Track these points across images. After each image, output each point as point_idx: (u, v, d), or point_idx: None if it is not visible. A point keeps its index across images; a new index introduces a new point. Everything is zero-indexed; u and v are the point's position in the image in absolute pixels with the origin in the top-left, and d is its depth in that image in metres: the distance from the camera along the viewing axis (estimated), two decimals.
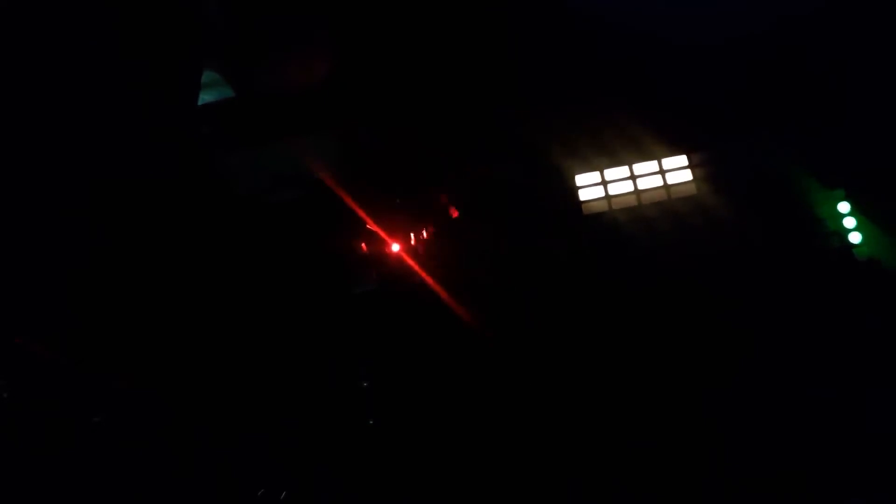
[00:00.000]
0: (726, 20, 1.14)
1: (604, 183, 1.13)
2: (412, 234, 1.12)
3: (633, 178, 1.13)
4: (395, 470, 1.03)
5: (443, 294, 1.09)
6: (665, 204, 1.11)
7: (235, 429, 1.04)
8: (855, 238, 1.08)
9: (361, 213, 1.13)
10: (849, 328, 1.03)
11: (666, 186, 1.12)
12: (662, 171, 1.13)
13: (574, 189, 1.13)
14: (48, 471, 1.00)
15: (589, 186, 1.13)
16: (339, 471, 1.03)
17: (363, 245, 1.12)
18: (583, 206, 1.13)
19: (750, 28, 1.13)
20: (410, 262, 1.11)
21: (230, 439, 1.04)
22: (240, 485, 1.01)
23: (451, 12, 1.18)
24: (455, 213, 1.09)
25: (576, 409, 1.04)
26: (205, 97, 1.18)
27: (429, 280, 1.10)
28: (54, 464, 1.00)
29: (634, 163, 1.13)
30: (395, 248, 1.12)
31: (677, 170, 1.12)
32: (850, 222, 1.08)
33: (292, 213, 1.14)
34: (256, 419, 1.05)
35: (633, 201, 1.12)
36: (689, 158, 1.13)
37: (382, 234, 1.12)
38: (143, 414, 1.04)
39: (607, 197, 1.12)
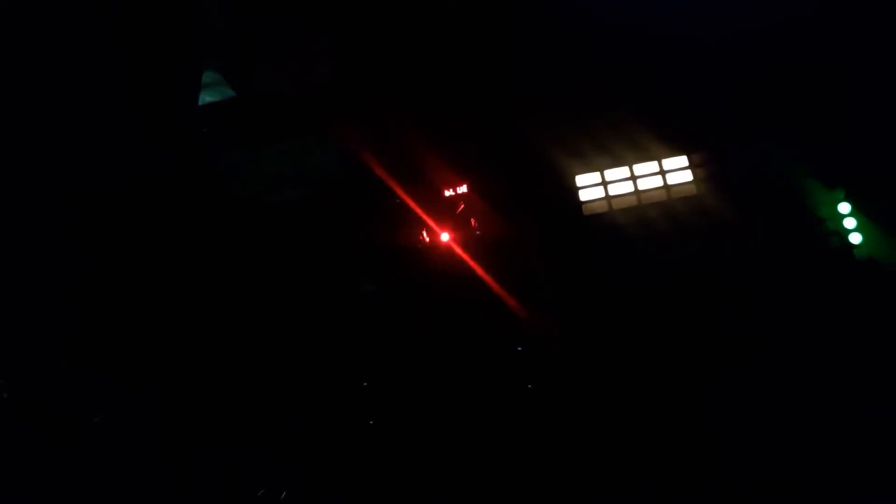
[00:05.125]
0: (726, 20, 1.14)
1: (604, 183, 1.13)
2: (413, 234, 1.12)
3: (633, 178, 1.13)
4: (395, 470, 1.03)
5: (443, 294, 1.09)
6: (665, 204, 1.11)
7: (236, 428, 1.04)
8: (855, 238, 1.08)
9: (362, 214, 1.13)
10: (849, 328, 1.03)
11: (666, 187, 1.12)
12: (663, 172, 1.12)
13: (574, 189, 1.13)
14: (48, 471, 1.00)
15: (589, 187, 1.13)
16: (339, 471, 1.03)
17: (363, 245, 1.12)
18: (583, 206, 1.13)
19: (750, 28, 1.13)
20: (411, 262, 1.11)
21: (230, 439, 1.04)
22: (240, 485, 1.01)
23: (452, 12, 1.18)
24: (473, 222, 1.10)
25: (576, 409, 1.04)
26: (205, 97, 1.18)
27: (429, 280, 1.10)
28: (54, 464, 1.00)
29: (635, 163, 1.13)
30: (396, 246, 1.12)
31: (677, 170, 1.12)
32: (850, 223, 1.08)
33: (292, 213, 1.14)
34: (256, 419, 1.05)
35: (633, 202, 1.12)
36: (689, 159, 1.13)
37: (382, 234, 1.12)
38: (143, 414, 1.04)
39: (607, 197, 1.12)
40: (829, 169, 1.10)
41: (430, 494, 1.02)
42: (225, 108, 1.18)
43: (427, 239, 1.12)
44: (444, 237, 1.11)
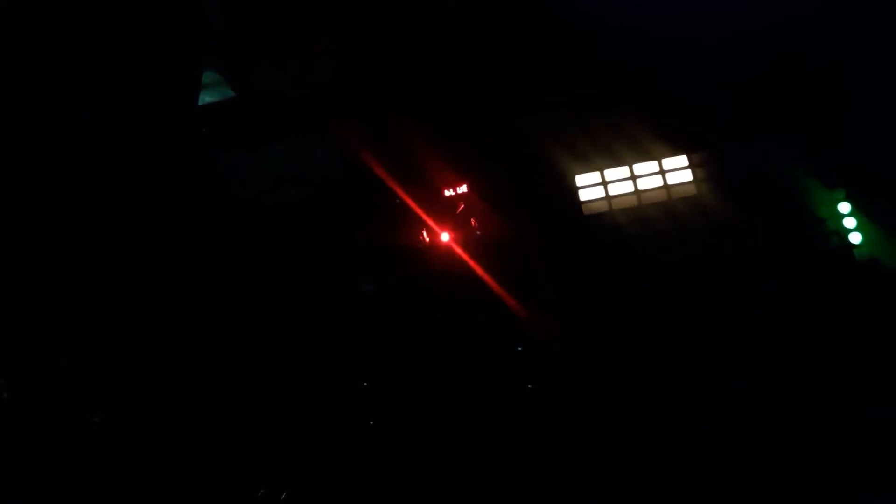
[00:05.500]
0: (726, 20, 1.14)
1: (604, 183, 1.13)
2: (413, 234, 1.12)
3: (633, 178, 1.13)
4: (395, 470, 1.03)
5: (443, 294, 1.09)
6: (665, 204, 1.11)
7: (236, 428, 1.04)
8: (855, 238, 1.08)
9: (362, 214, 1.13)
10: (849, 328, 1.03)
11: (666, 186, 1.12)
12: (662, 172, 1.13)
13: (574, 189, 1.13)
14: (48, 471, 1.00)
15: (589, 186, 1.13)
16: (339, 471, 1.03)
17: (363, 245, 1.12)
18: (583, 206, 1.13)
19: (750, 28, 1.13)
20: (411, 262, 1.11)
21: (230, 439, 1.03)
22: (240, 485, 1.01)
23: (452, 12, 1.18)
24: (473, 222, 1.10)
25: (576, 409, 1.04)
26: (205, 97, 1.18)
27: (429, 280, 1.10)
28: (54, 464, 1.00)
29: (634, 163, 1.13)
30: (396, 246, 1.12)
31: (677, 170, 1.12)
32: (850, 222, 1.08)
33: (292, 213, 1.14)
34: (256, 419, 1.05)
35: (633, 201, 1.12)
36: (689, 158, 1.13)
37: (382, 234, 1.12)
38: (143, 414, 1.04)
39: (607, 197, 1.12)
40: (829, 169, 1.10)
41: (430, 494, 1.02)
42: (225, 108, 1.18)
43: (427, 239, 1.12)
44: (444, 237, 1.11)
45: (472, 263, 1.10)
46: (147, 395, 1.04)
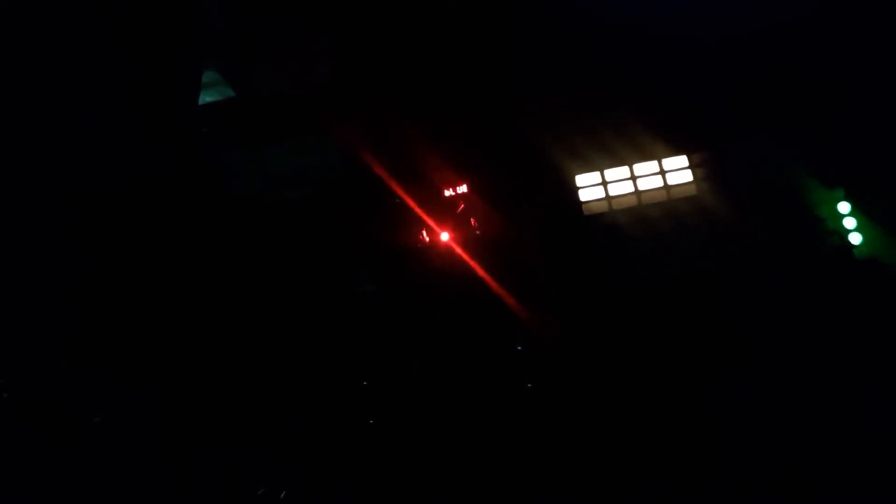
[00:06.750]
0: (726, 20, 1.14)
1: (604, 183, 1.13)
2: (413, 234, 1.12)
3: (633, 178, 1.13)
4: (395, 470, 1.03)
5: (443, 294, 1.09)
6: (665, 204, 1.12)
7: (236, 428, 1.04)
8: (855, 238, 1.08)
9: (362, 214, 1.13)
10: (849, 328, 1.03)
11: (666, 187, 1.12)
12: (663, 172, 1.13)
13: (574, 189, 1.13)
14: (48, 471, 1.00)
15: (589, 187, 1.13)
16: (339, 471, 1.03)
17: (363, 245, 1.12)
18: (583, 206, 1.13)
19: (750, 28, 1.13)
20: (411, 262, 1.11)
21: (230, 438, 1.04)
22: (240, 485, 1.01)
23: (452, 12, 1.18)
24: (473, 222, 1.10)
25: (576, 409, 1.04)
26: (205, 97, 1.18)
27: (429, 280, 1.10)
28: (54, 464, 1.00)
29: (635, 163, 1.13)
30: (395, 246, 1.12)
31: (677, 170, 1.12)
32: (850, 222, 1.08)
33: (292, 213, 1.14)
34: (256, 419, 1.05)
35: (633, 201, 1.12)
36: (689, 158, 1.13)
37: (382, 234, 1.12)
38: (143, 414, 1.04)
39: (607, 197, 1.12)
40: (829, 169, 1.10)
41: (430, 494, 1.02)
42: (225, 108, 1.18)
43: (427, 239, 1.12)
44: (444, 237, 1.11)
45: (472, 263, 1.10)
46: (147, 395, 1.04)
